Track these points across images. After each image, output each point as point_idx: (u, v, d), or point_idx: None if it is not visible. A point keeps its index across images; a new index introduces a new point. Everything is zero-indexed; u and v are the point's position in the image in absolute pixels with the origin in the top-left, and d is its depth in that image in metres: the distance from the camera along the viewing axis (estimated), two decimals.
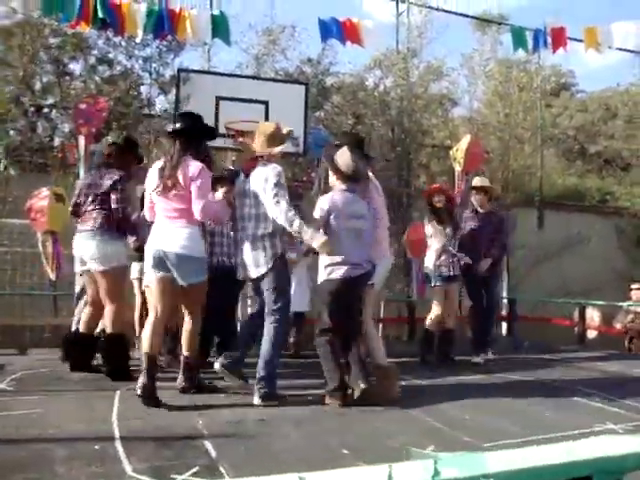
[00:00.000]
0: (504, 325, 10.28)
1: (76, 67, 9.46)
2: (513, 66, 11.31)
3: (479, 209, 7.01)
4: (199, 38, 7.38)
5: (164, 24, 6.29)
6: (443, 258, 6.41)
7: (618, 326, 8.28)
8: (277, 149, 4.49)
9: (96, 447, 3.16)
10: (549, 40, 9.01)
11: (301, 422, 3.82)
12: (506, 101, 10.94)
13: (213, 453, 3.11)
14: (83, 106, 6.82)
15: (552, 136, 14.29)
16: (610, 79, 32.05)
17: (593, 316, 9.04)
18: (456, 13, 10.94)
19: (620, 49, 11.55)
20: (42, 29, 8.36)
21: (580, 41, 10.13)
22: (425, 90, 10.64)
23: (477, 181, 7.33)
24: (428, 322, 6.45)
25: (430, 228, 6.49)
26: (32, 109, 9.03)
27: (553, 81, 12.16)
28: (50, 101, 9.42)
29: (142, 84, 8.53)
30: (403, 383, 5.13)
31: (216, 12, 7.02)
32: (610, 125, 16.83)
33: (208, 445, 3.24)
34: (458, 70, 10.85)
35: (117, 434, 3.41)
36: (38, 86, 9.18)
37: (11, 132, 8.78)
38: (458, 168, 8.48)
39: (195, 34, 6.84)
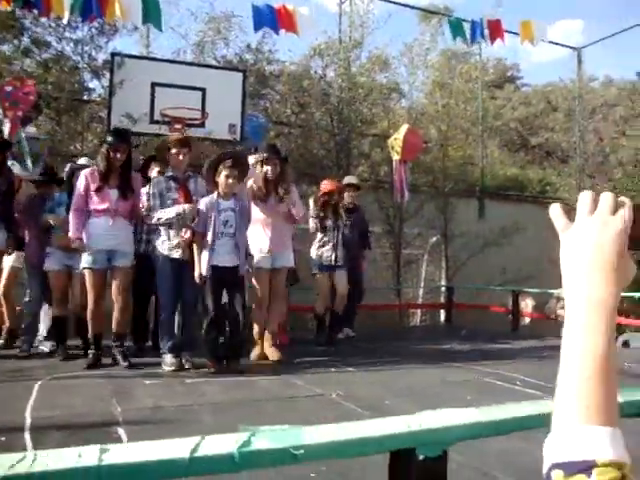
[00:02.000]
0: (442, 313, 10.49)
1: (7, 48, 9.10)
2: (452, 57, 11.47)
3: (348, 205, 7.39)
4: (129, 22, 7.21)
5: (92, 6, 6.10)
6: (326, 248, 6.77)
7: (549, 312, 8.53)
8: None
9: (2, 438, 3.10)
10: (487, 32, 9.19)
11: (220, 409, 3.83)
12: (445, 91, 11.10)
13: (125, 439, 3.09)
14: (9, 88, 6.60)
15: (494, 127, 14.58)
16: (554, 74, 32.87)
17: (527, 303, 9.30)
18: (399, 3, 11.02)
19: (555, 43, 11.90)
20: None
21: (517, 34, 10.40)
22: (372, 80, 10.69)
23: (348, 179, 7.69)
24: (316, 308, 6.94)
25: (313, 222, 6.77)
26: None
27: (492, 73, 12.36)
28: None
29: (77, 68, 8.26)
30: (332, 370, 5.24)
31: None
32: (551, 118, 17.26)
33: (121, 432, 3.21)
34: (398, 59, 10.90)
35: (28, 424, 3.35)
36: None
37: None
38: (396, 157, 8.60)
39: (125, 17, 6.68)
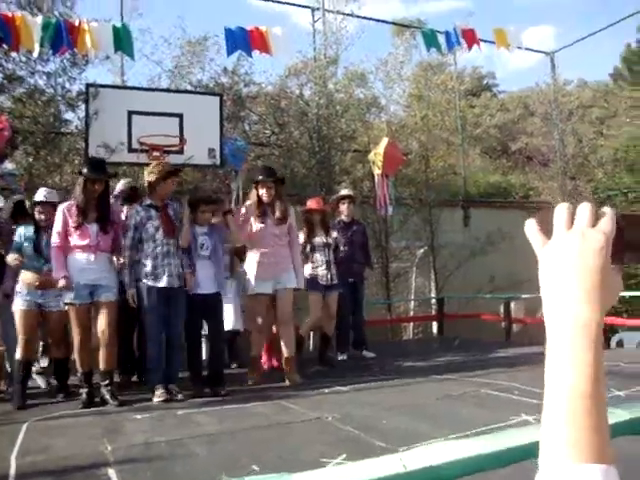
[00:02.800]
0: (434, 324, 10.43)
1: None
2: (427, 68, 11.54)
3: (345, 218, 7.32)
4: (101, 52, 7.15)
5: (62, 38, 6.04)
6: (321, 268, 6.61)
7: (542, 318, 8.45)
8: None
9: None
10: (462, 41, 9.26)
11: (214, 440, 3.72)
12: (423, 103, 11.15)
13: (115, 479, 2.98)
14: None
15: (474, 135, 14.65)
16: (529, 79, 33.31)
17: (518, 310, 9.25)
18: (371, 19, 11.09)
19: (529, 49, 12.01)
20: None
21: (492, 42, 10.49)
22: (350, 96, 10.70)
23: (343, 191, 7.59)
24: (303, 328, 6.78)
25: (304, 240, 6.63)
26: None
27: (469, 82, 12.44)
28: None
29: (51, 101, 8.18)
30: (326, 391, 5.14)
31: (118, 24, 6.81)
32: (529, 122, 17.39)
33: (112, 473, 3.10)
34: (374, 74, 10.95)
35: (12, 471, 3.22)
36: None
37: None
38: (377, 171, 8.58)
39: (96, 47, 6.62)
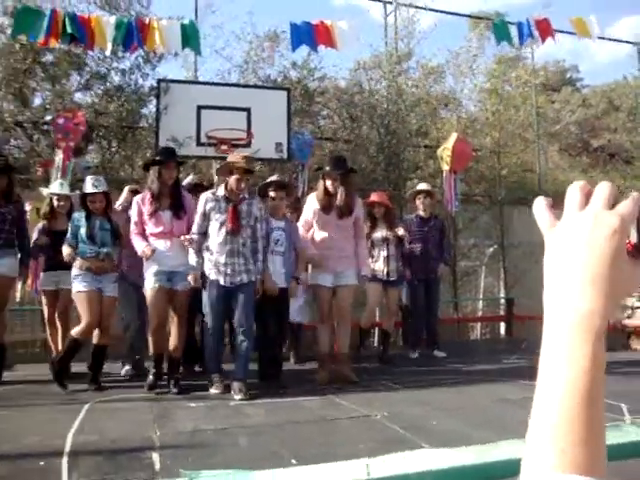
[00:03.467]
0: (502, 325, 10.13)
1: (72, 84, 9.49)
2: (503, 62, 11.17)
3: (422, 214, 7.19)
4: (169, 49, 7.33)
5: (133, 36, 6.25)
6: (378, 262, 6.58)
7: (613, 322, 8.05)
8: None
9: (41, 463, 3.12)
10: (536, 33, 8.90)
11: (259, 432, 3.75)
12: (497, 98, 10.80)
13: (157, 465, 3.05)
14: (61, 120, 6.84)
15: (552, 131, 14.09)
16: (617, 73, 31.65)
17: None
18: (443, 12, 10.84)
19: (614, 40, 11.41)
20: (36, 46, 8.37)
21: (570, 33, 10.04)
22: (423, 91, 10.53)
23: (420, 185, 7.42)
24: (362, 320, 6.86)
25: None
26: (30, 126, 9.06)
27: (542, 75, 11.94)
28: (49, 118, 9.44)
29: (126, 97, 8.48)
30: (380, 388, 5.08)
31: (186, 22, 6.97)
32: (613, 118, 16.55)
33: (155, 457, 3.18)
34: (447, 68, 10.69)
35: (67, 449, 3.36)
36: (36, 103, 9.21)
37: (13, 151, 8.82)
38: (445, 167, 8.40)
39: (164, 45, 6.80)
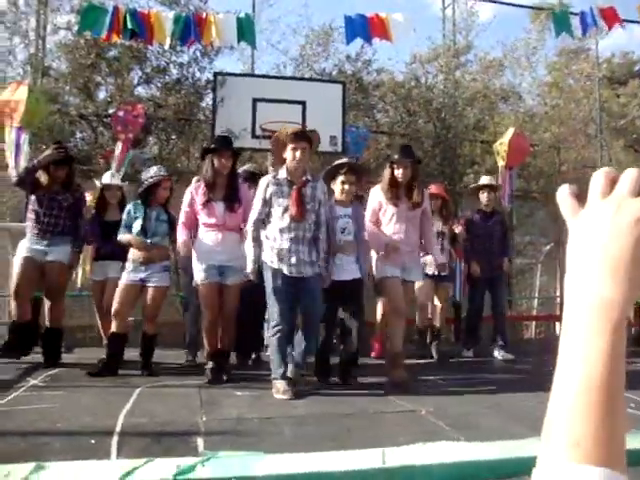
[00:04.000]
0: (557, 325, 9.86)
1: (134, 77, 9.79)
2: (565, 54, 10.83)
3: (485, 209, 6.98)
4: (225, 42, 7.44)
5: (190, 31, 6.39)
6: (429, 257, 6.13)
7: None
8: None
9: (92, 441, 3.24)
10: (601, 22, 8.57)
11: (303, 423, 3.78)
12: (557, 91, 10.49)
13: (201, 449, 3.13)
14: (121, 113, 7.06)
15: (617, 127, 13.58)
16: None
17: None
18: (503, 2, 10.59)
19: None
20: (101, 43, 8.65)
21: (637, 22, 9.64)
22: (482, 84, 10.34)
23: (484, 179, 7.21)
24: (417, 321, 6.78)
25: None
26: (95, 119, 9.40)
27: (606, 68, 11.51)
28: (112, 110, 9.75)
29: (183, 89, 8.68)
30: (428, 384, 5.05)
31: (242, 15, 7.07)
32: None
33: (199, 442, 3.26)
34: (505, 61, 10.44)
35: (118, 429, 3.49)
36: (101, 97, 9.55)
37: (77, 142, 9.18)
38: (501, 162, 8.23)
39: (220, 38, 6.91)
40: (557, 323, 10.08)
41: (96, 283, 6.09)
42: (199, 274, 4.97)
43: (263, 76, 8.71)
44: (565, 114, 10.30)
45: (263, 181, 4.71)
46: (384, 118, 10.40)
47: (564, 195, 0.65)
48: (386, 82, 10.12)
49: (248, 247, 4.67)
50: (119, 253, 5.58)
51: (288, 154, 4.57)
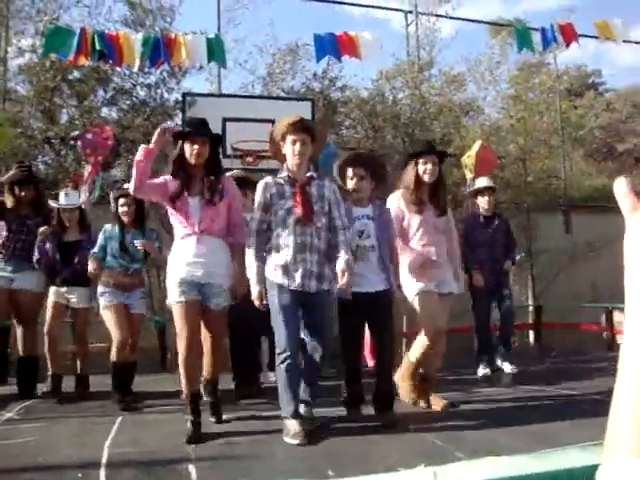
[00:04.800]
0: (531, 333, 10.01)
1: (96, 99, 9.68)
2: (525, 68, 11.13)
3: (485, 213, 6.50)
4: (195, 62, 7.43)
5: (160, 52, 6.35)
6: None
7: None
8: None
9: (79, 475, 3.14)
10: (560, 38, 8.85)
11: (294, 446, 3.72)
12: (520, 104, 10.74)
13: (194, 477, 3.06)
14: (89, 135, 6.94)
15: (577, 137, 13.94)
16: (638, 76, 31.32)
17: (622, 320, 8.66)
18: (464, 19, 10.86)
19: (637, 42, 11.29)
20: (64, 65, 8.52)
21: (594, 37, 9.97)
22: (446, 99, 10.51)
23: (483, 182, 6.71)
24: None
25: None
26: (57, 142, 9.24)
27: (566, 80, 11.84)
28: (75, 133, 9.62)
29: (152, 111, 8.61)
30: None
31: (211, 36, 7.06)
32: (638, 122, 16.36)
33: (192, 469, 3.19)
34: (467, 76, 10.69)
35: (104, 460, 3.39)
36: (64, 119, 9.39)
37: (41, 166, 9.00)
38: (470, 175, 8.35)
39: (190, 59, 6.88)
40: (530, 331, 10.23)
41: (56, 305, 5.49)
42: (172, 291, 3.90)
43: (232, 95, 8.70)
44: (529, 126, 10.54)
45: (261, 184, 3.92)
46: (352, 135, 10.48)
47: (622, 191, 0.63)
48: (353, 99, 10.21)
49: (250, 265, 3.86)
50: (81, 277, 5.22)
51: (287, 149, 3.86)
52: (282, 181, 3.88)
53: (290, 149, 3.85)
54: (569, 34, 8.79)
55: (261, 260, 3.88)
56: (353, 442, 3.76)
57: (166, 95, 8.56)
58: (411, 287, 4.49)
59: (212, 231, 3.94)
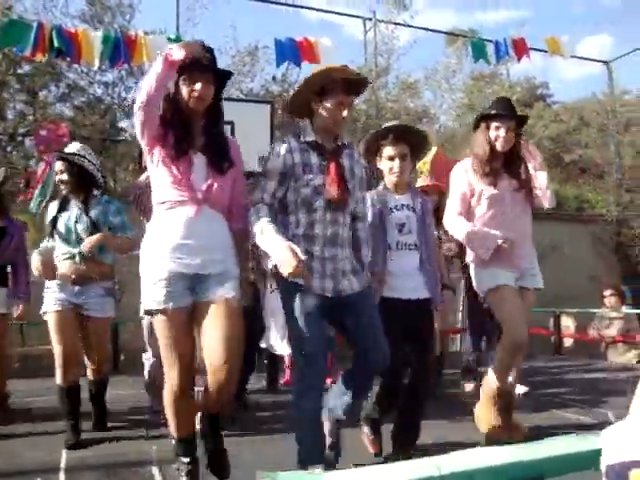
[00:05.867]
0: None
1: (49, 95, 9.47)
2: (479, 78, 11.45)
3: None
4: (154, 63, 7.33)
5: (120, 53, 6.25)
6: None
7: (592, 333, 8.25)
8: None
9: (38, 479, 3.09)
10: (512, 52, 9.16)
11: (267, 441, 3.75)
12: (474, 113, 11.04)
13: (158, 479, 3.06)
14: (44, 132, 6.81)
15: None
16: (585, 90, 32.57)
17: (569, 324, 9.01)
18: (422, 28, 11.10)
19: (585, 58, 11.78)
20: (15, 58, 8.29)
21: (544, 51, 10.35)
22: (402, 105, 10.70)
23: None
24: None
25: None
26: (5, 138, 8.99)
27: (519, 92, 12.25)
28: (21, 130, 9.39)
29: (108, 109, 8.49)
30: None
31: (172, 36, 7.01)
32: (584, 134, 16.97)
33: (155, 470, 3.19)
34: (427, 84, 10.94)
35: (63, 464, 3.35)
36: (11, 115, 9.14)
37: None
38: (423, 183, 8.51)
39: (150, 60, 6.81)
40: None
41: None
42: (151, 292, 2.63)
43: None
44: None
45: (282, 146, 2.81)
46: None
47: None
48: None
49: (263, 230, 2.65)
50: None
51: (325, 108, 2.78)
52: (308, 146, 2.80)
53: (331, 107, 2.76)
54: (521, 48, 9.11)
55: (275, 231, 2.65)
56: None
57: (124, 94, 8.44)
58: (482, 280, 3.59)
59: (217, 203, 2.71)
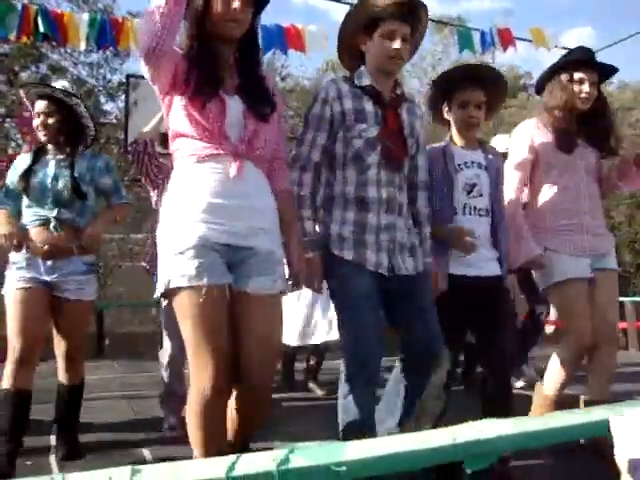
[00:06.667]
0: None
1: (28, 76, 9.32)
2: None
3: None
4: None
5: (106, 36, 6.14)
6: None
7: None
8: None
9: (28, 462, 3.06)
10: (497, 42, 9.17)
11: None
12: None
13: (149, 458, 3.08)
14: (27, 114, 6.66)
15: (511, 136, 14.48)
16: None
17: None
18: None
19: (568, 49, 11.83)
20: None
21: (529, 41, 10.39)
22: None
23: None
24: None
25: None
26: None
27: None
28: (1, 111, 9.25)
29: (92, 91, 8.38)
30: None
31: None
32: None
33: (146, 453, 3.20)
34: (411, 71, 10.96)
35: (53, 447, 3.32)
36: None
37: None
38: None
39: (137, 44, 6.71)
40: None
41: None
42: (180, 265, 1.92)
43: None
44: None
45: (325, 92, 2.31)
46: (293, 124, 10.53)
47: None
48: (297, 89, 10.27)
49: (305, 215, 2.30)
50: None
51: (374, 41, 2.31)
52: (361, 93, 2.32)
53: (386, 41, 2.27)
54: (507, 39, 9.11)
55: (316, 217, 2.36)
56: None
57: (109, 75, 8.33)
58: (550, 270, 2.95)
59: (260, 157, 2.09)
